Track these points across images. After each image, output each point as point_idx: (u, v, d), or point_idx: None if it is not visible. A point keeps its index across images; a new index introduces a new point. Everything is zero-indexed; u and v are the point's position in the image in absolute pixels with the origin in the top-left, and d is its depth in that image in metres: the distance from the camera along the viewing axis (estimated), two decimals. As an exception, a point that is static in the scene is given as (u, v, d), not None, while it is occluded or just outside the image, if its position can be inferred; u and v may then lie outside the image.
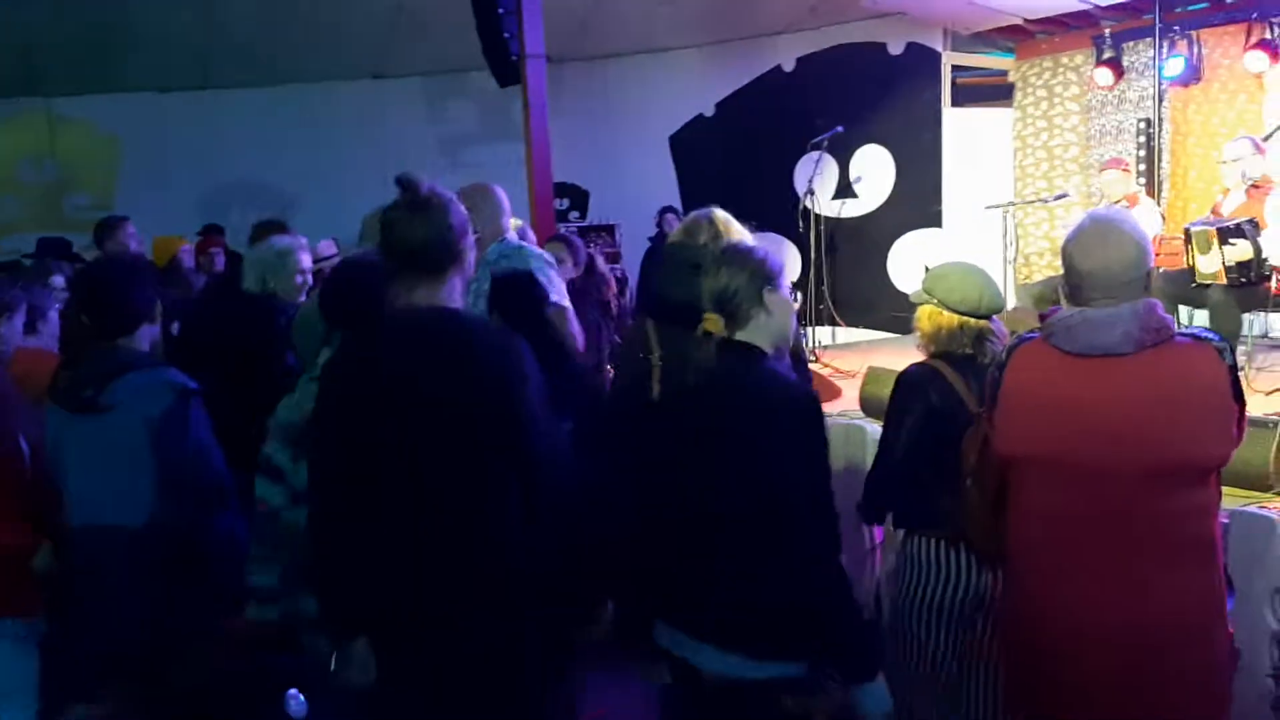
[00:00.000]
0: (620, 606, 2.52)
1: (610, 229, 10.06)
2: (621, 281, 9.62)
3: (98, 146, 10.33)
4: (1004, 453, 2.39)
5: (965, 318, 2.85)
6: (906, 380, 2.92)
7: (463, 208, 2.38)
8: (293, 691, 2.48)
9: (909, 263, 9.65)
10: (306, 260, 4.06)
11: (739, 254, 2.37)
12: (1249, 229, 5.76)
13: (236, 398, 3.21)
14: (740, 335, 2.32)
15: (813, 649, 2.23)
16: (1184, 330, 2.32)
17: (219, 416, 3.02)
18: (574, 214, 10.76)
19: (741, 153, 10.32)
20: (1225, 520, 2.77)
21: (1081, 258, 2.32)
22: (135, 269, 3.22)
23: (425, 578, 2.24)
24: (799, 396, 2.30)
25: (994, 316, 2.92)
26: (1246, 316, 6.08)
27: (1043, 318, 2.39)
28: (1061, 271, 2.42)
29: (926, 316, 2.93)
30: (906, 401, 2.87)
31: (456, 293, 2.38)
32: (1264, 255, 5.73)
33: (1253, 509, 2.90)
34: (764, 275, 2.34)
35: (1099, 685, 2.27)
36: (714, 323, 2.30)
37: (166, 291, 3.65)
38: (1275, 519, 2.67)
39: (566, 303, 3.98)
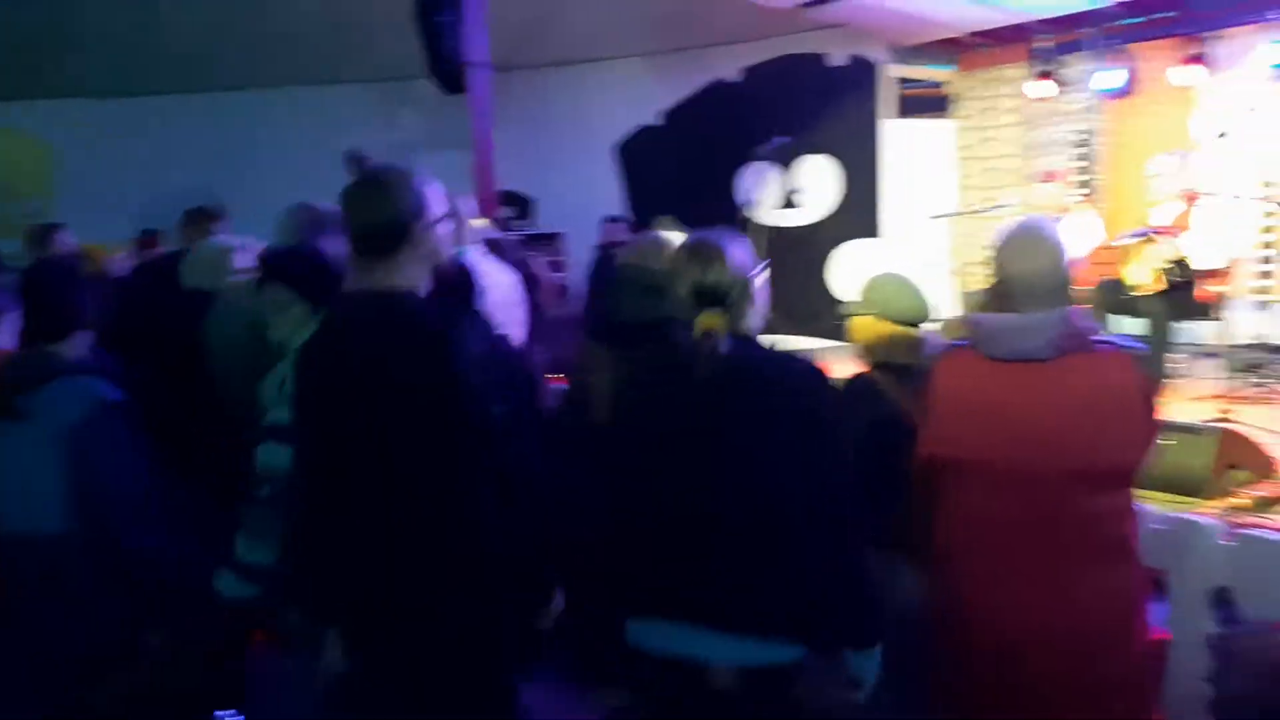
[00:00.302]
0: (592, 609, 2.47)
1: (555, 237, 10.04)
2: (565, 289, 9.62)
3: (31, 154, 10.10)
4: (931, 456, 2.44)
5: (902, 327, 2.89)
6: (849, 392, 2.94)
7: (421, 188, 2.34)
8: (229, 712, 2.45)
9: (849, 272, 9.75)
10: (245, 261, 4.01)
11: (718, 248, 2.33)
12: (1166, 231, 5.94)
13: (175, 392, 3.17)
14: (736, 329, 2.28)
15: (823, 626, 2.22)
16: (1105, 337, 2.38)
17: (156, 410, 2.97)
18: (519, 222, 10.71)
19: (688, 162, 10.36)
20: (1162, 526, 2.83)
21: (1009, 263, 2.38)
22: (71, 273, 3.17)
23: (399, 564, 2.22)
24: (817, 372, 2.30)
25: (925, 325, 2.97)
26: (1178, 325, 6.24)
27: (965, 326, 2.45)
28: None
29: (864, 327, 2.95)
30: (851, 413, 2.89)
31: (416, 275, 2.33)
32: (1185, 255, 5.90)
33: (1188, 515, 2.97)
34: (747, 265, 2.34)
35: (1027, 686, 2.32)
36: (714, 320, 2.24)
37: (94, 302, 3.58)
38: (1209, 525, 2.74)
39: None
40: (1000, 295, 2.41)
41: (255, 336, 2.99)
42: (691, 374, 2.21)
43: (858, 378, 2.96)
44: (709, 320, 2.22)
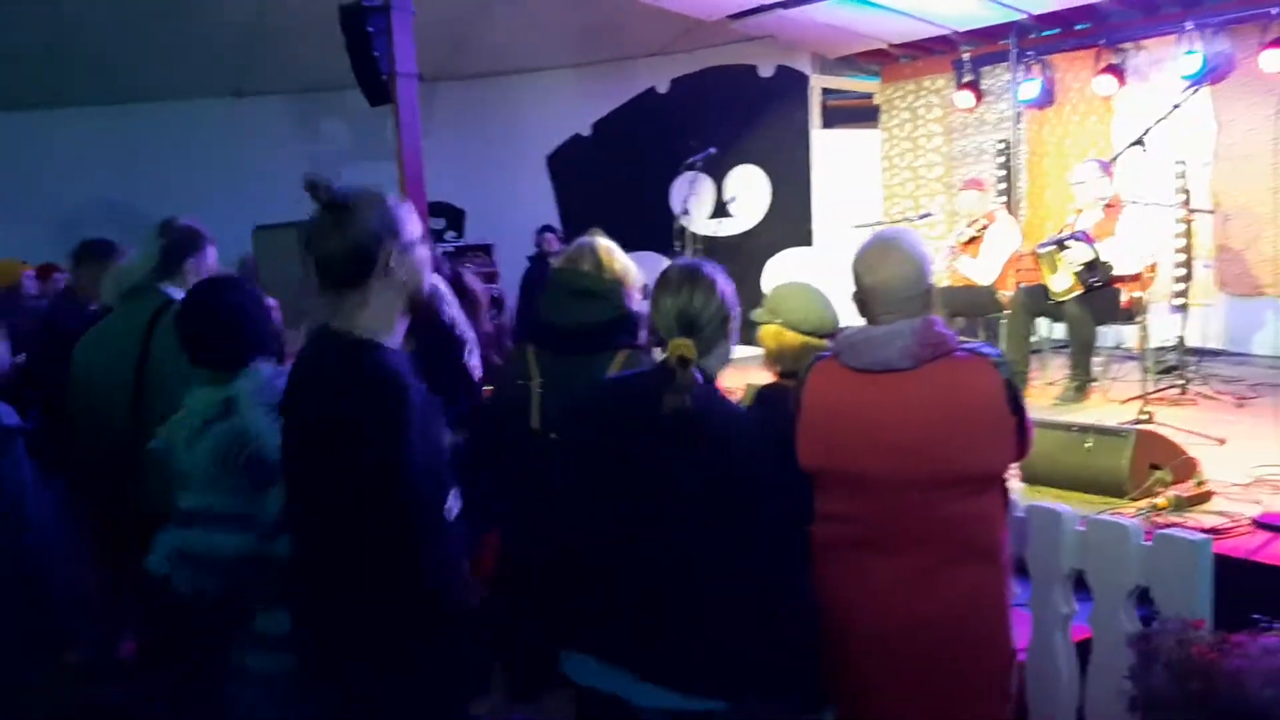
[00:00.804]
0: (527, 641, 2.41)
1: (487, 248, 9.99)
2: (498, 301, 9.56)
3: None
4: (804, 466, 2.46)
5: (808, 337, 2.87)
6: (760, 401, 2.93)
7: (392, 210, 2.14)
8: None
9: (784, 281, 9.81)
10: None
11: (706, 277, 2.33)
12: (1081, 236, 6.07)
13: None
14: (700, 362, 2.24)
15: (755, 683, 2.18)
16: (964, 345, 2.41)
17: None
18: (450, 234, 10.65)
19: (619, 172, 10.38)
20: (1082, 528, 2.87)
21: (866, 274, 2.40)
22: None
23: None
24: (760, 431, 2.32)
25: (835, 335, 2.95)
26: (1101, 329, 6.37)
27: (831, 337, 2.46)
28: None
29: (771, 336, 2.94)
30: (761, 422, 2.88)
31: (388, 310, 2.13)
32: (1102, 258, 6.02)
33: (1107, 516, 3.01)
34: (730, 303, 2.34)
35: (890, 686, 2.37)
36: (687, 348, 2.20)
37: (9, 319, 3.48)
38: (1129, 526, 2.78)
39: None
40: (858, 304, 2.44)
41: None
42: (657, 402, 2.17)
43: (769, 387, 2.95)
44: (683, 347, 2.20)
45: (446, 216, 10.53)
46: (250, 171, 10.17)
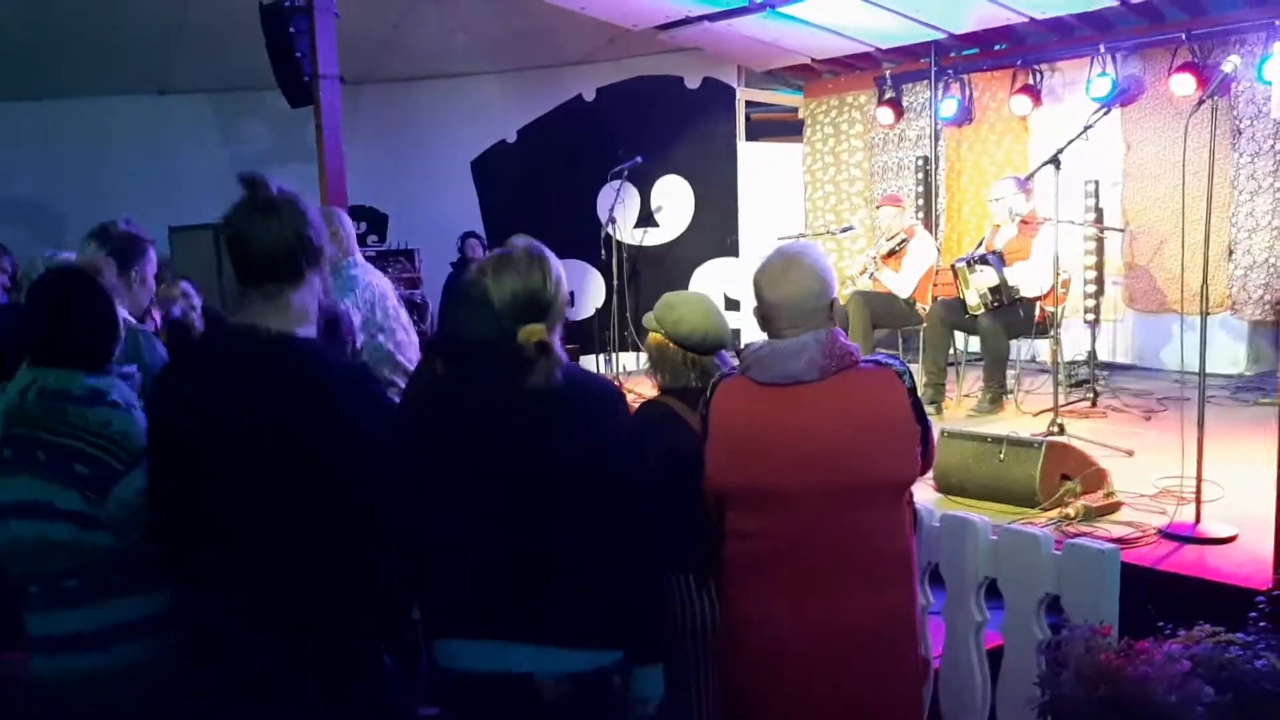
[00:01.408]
0: (403, 634, 2.34)
1: (409, 254, 9.86)
2: (421, 306, 9.46)
3: None
4: (714, 484, 2.46)
5: (689, 352, 2.83)
6: (641, 417, 2.83)
7: (314, 215, 2.17)
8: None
9: (709, 291, 9.87)
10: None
11: (544, 256, 2.26)
12: (993, 259, 6.22)
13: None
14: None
15: (628, 633, 2.21)
16: (867, 357, 2.45)
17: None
18: (372, 237, 10.51)
19: (544, 179, 10.34)
20: (994, 536, 2.92)
21: (769, 289, 2.42)
22: None
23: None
24: (617, 394, 2.31)
25: (721, 351, 2.90)
26: (1015, 342, 6.53)
27: (738, 354, 2.47)
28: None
29: (654, 345, 2.89)
30: (644, 438, 2.83)
31: (308, 310, 2.16)
32: (1010, 283, 6.18)
33: (1019, 526, 3.07)
34: (560, 274, 2.28)
35: (804, 701, 2.37)
36: (540, 332, 2.16)
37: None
38: (1040, 536, 2.84)
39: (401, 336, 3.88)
40: (761, 318, 2.45)
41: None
42: (518, 388, 2.13)
43: (650, 403, 2.89)
44: (537, 333, 2.15)
45: (368, 220, 10.40)
46: (169, 171, 9.94)
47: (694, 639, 2.72)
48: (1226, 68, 4.00)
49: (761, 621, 2.40)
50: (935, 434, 2.72)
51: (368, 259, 9.02)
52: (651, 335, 2.89)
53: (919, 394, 2.47)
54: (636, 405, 2.85)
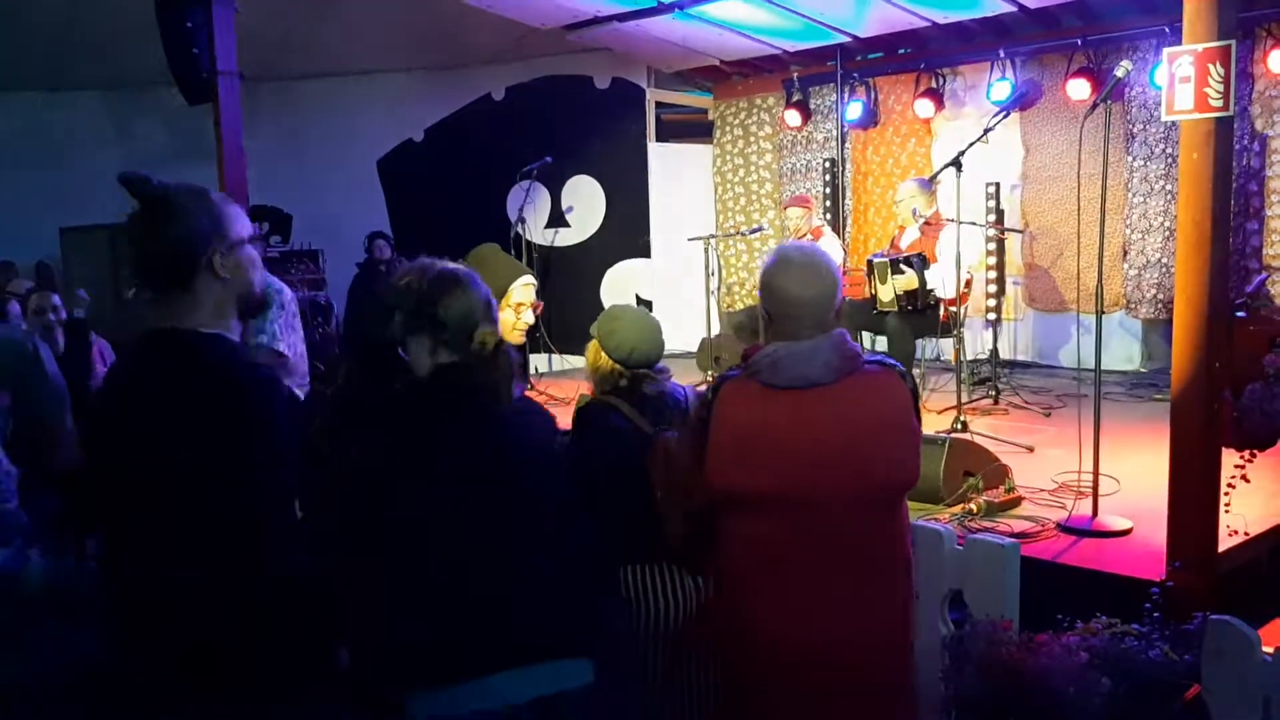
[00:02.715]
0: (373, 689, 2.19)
1: (314, 255, 9.67)
2: (326, 308, 9.28)
3: None
4: (719, 487, 2.40)
5: (617, 365, 2.91)
6: (583, 419, 2.94)
7: (218, 205, 2.04)
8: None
9: (621, 292, 9.88)
10: None
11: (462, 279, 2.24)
12: (916, 262, 6.32)
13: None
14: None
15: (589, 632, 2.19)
16: (868, 357, 2.44)
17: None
18: (275, 238, 10.28)
19: (452, 179, 10.24)
20: (900, 534, 2.95)
21: (790, 289, 2.38)
22: None
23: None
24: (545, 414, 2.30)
25: (661, 364, 2.99)
26: (920, 341, 6.64)
27: (745, 356, 2.43)
28: (761, 293, 2.46)
29: (590, 351, 2.99)
30: (584, 437, 2.90)
31: (223, 311, 2.04)
32: (929, 286, 6.28)
33: (925, 522, 3.11)
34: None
35: (807, 701, 2.35)
36: (492, 335, 2.15)
37: None
38: (944, 531, 2.88)
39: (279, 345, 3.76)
40: (779, 318, 2.41)
41: None
42: (474, 403, 2.11)
43: (589, 405, 2.96)
44: (490, 334, 2.14)
45: (271, 221, 10.16)
46: (60, 170, 9.61)
47: (677, 626, 2.79)
48: (1119, 72, 4.12)
49: (765, 621, 2.37)
50: None
51: (270, 260, 8.82)
52: (591, 342, 2.98)
53: (915, 388, 2.47)
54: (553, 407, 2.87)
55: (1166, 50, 3.28)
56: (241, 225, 2.08)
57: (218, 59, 6.74)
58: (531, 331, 8.83)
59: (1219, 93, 3.15)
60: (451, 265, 2.27)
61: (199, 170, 8.13)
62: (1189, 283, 3.25)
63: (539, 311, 3.53)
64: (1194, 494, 3.27)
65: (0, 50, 8.91)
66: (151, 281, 2.02)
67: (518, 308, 3.34)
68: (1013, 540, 2.82)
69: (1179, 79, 3.22)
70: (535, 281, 3.53)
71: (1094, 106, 4.04)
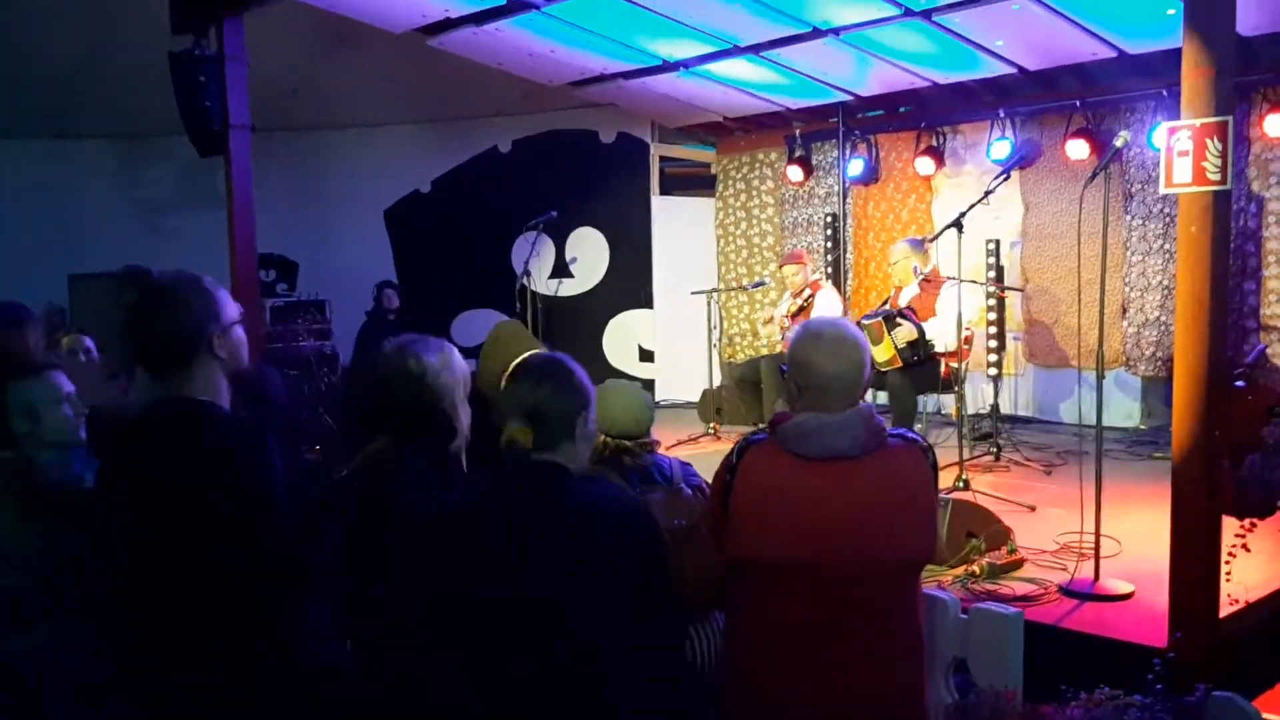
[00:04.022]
0: None
1: (320, 305, 9.72)
2: (332, 358, 9.32)
3: None
4: (739, 556, 2.41)
5: (607, 436, 3.01)
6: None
7: (211, 293, 2.24)
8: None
9: (623, 342, 9.95)
10: None
11: (564, 373, 2.34)
12: (909, 314, 6.37)
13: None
14: (548, 455, 2.29)
15: None
16: (891, 431, 2.45)
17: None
18: (282, 286, 10.34)
19: (458, 229, 10.34)
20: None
21: (829, 362, 2.39)
22: None
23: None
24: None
25: (650, 434, 3.12)
26: (921, 397, 6.68)
27: (774, 424, 2.46)
28: (789, 366, 2.49)
29: None
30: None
31: (214, 385, 2.24)
32: (927, 336, 6.34)
33: (929, 589, 3.12)
34: (584, 400, 2.34)
35: None
36: (523, 434, 2.25)
37: None
38: (948, 600, 2.90)
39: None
40: (809, 390, 2.42)
41: None
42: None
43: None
44: (520, 432, 2.25)
45: (278, 269, 10.24)
46: (70, 217, 9.72)
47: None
48: (1118, 142, 4.20)
49: (778, 689, 2.38)
50: None
51: (276, 310, 8.86)
52: None
53: (935, 463, 2.47)
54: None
55: (1165, 125, 3.35)
56: (232, 308, 2.30)
57: (230, 113, 6.85)
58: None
59: (1217, 167, 3.21)
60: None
61: (208, 217, 8.27)
62: (1189, 353, 3.29)
63: None
64: (1195, 564, 3.29)
65: (12, 98, 9.04)
66: (155, 364, 2.22)
67: None
68: (1016, 610, 2.84)
69: (1177, 152, 3.28)
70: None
71: (1093, 176, 4.11)
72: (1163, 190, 3.36)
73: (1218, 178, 3.21)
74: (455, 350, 2.69)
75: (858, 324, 6.73)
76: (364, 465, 2.51)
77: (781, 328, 7.41)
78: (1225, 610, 3.53)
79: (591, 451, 2.94)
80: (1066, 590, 4.01)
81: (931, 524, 2.43)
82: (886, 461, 2.37)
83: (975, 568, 4.23)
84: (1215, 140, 3.21)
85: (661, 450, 3.24)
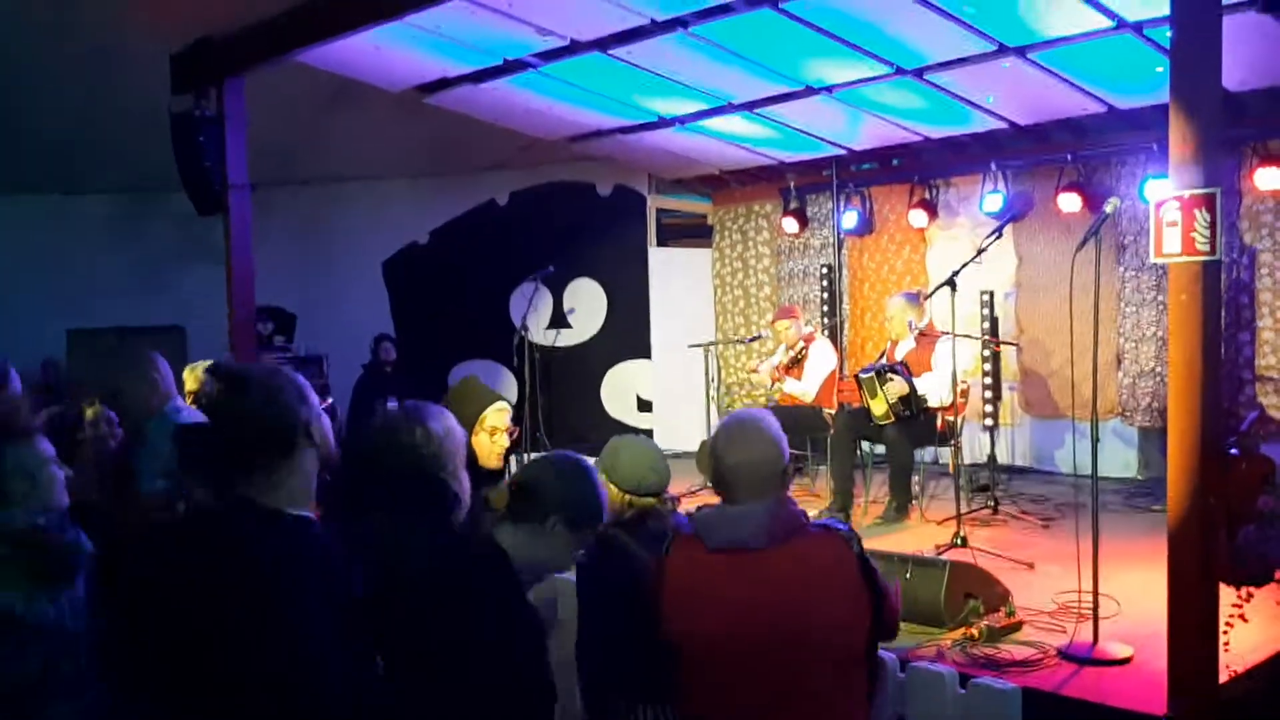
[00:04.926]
0: None
1: (318, 360, 9.75)
2: (331, 411, 9.33)
3: None
4: (670, 641, 2.48)
5: (627, 494, 3.00)
6: (597, 551, 2.95)
7: (294, 378, 2.09)
8: None
9: (622, 392, 9.98)
10: None
11: (584, 477, 2.40)
12: (901, 369, 6.40)
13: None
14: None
15: None
16: (815, 521, 2.49)
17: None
18: (279, 338, 10.39)
19: (456, 281, 10.40)
20: (902, 675, 2.98)
21: (725, 455, 2.45)
22: None
23: None
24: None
25: (669, 491, 3.08)
26: (918, 450, 6.69)
27: (691, 516, 2.55)
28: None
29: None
30: (598, 569, 2.96)
31: (310, 475, 2.05)
32: (920, 392, 6.36)
33: (926, 663, 3.14)
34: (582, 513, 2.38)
35: None
36: (501, 498, 2.32)
37: None
38: (945, 674, 2.91)
39: None
40: (717, 483, 2.49)
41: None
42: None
43: (602, 535, 2.94)
44: (500, 497, 2.30)
45: (276, 321, 10.29)
46: (68, 272, 9.77)
47: None
48: (1108, 208, 4.25)
49: None
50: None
51: (275, 361, 8.83)
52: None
53: (863, 553, 2.46)
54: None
55: (1153, 198, 3.39)
56: (314, 396, 2.15)
57: (229, 173, 6.92)
58: (532, 433, 8.91)
59: (1205, 238, 3.24)
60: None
61: (207, 272, 8.30)
62: (1182, 420, 3.31)
63: (514, 437, 3.62)
64: (1192, 638, 3.29)
65: (12, 154, 9.10)
66: (253, 459, 2.00)
67: (492, 431, 3.45)
68: (1013, 686, 2.85)
69: (1166, 223, 3.32)
70: (509, 407, 3.62)
71: (1083, 243, 4.15)
72: (1153, 259, 3.40)
73: (1207, 248, 3.24)
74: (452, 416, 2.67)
75: (854, 378, 6.80)
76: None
77: (773, 379, 7.46)
78: (1223, 675, 3.52)
79: (612, 506, 2.97)
80: (1065, 654, 4.00)
81: (856, 611, 2.40)
82: (799, 552, 2.39)
83: (974, 631, 4.22)
84: (1204, 211, 3.24)
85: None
